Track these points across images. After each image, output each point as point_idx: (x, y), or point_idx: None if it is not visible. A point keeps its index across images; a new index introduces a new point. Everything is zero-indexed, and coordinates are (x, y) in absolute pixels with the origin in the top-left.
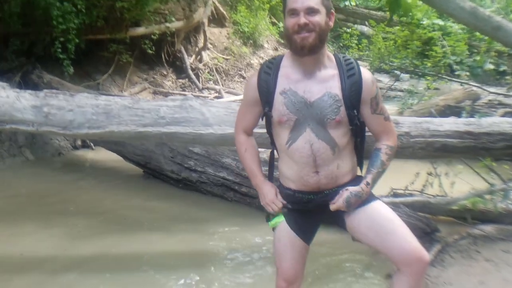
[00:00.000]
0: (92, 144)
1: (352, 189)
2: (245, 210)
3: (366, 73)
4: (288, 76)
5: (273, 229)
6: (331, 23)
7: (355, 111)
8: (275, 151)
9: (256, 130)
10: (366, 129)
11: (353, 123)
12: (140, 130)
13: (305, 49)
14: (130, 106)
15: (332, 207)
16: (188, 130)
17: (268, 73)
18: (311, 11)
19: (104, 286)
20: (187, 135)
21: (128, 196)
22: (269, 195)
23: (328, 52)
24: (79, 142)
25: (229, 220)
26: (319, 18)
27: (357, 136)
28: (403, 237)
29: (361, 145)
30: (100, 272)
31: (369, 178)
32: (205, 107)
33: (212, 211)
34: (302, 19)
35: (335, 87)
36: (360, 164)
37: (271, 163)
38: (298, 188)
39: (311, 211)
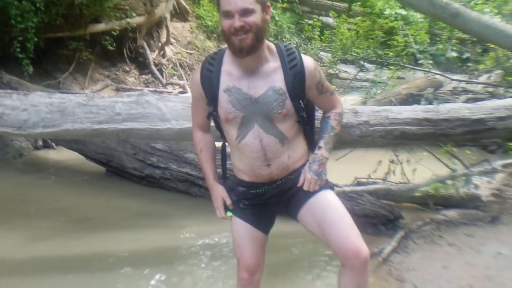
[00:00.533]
0: (53, 144)
1: (309, 160)
2: (210, 204)
3: (308, 61)
4: (231, 73)
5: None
6: (268, 16)
7: (300, 102)
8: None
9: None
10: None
11: (300, 115)
12: (95, 127)
13: (244, 50)
14: (85, 103)
15: (305, 186)
16: (144, 126)
17: (210, 70)
18: (245, 12)
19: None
20: (144, 131)
21: (91, 195)
22: (215, 202)
23: (269, 43)
24: (40, 143)
25: (194, 216)
26: (255, 18)
27: (306, 124)
28: (343, 231)
29: (310, 132)
30: (64, 273)
31: (321, 142)
32: (162, 102)
33: (177, 207)
34: (237, 22)
35: (278, 81)
36: (311, 149)
37: (224, 154)
38: (251, 180)
39: (267, 203)
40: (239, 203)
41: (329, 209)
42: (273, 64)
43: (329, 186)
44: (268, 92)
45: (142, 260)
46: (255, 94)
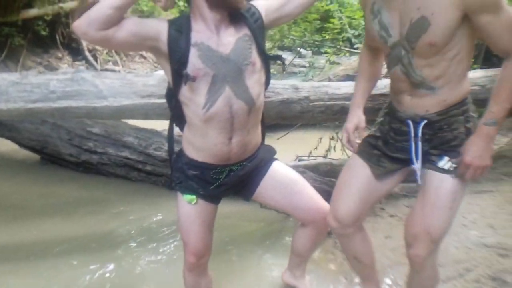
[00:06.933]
0: None
1: None
2: (150, 189)
3: (256, 2)
4: (200, 32)
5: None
6: None
7: (263, 45)
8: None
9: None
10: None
11: (263, 57)
12: (29, 106)
13: (240, 2)
14: (18, 81)
15: None
16: (81, 104)
17: (180, 31)
18: None
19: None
20: (80, 110)
21: (25, 184)
22: None
23: None
24: None
25: (133, 201)
26: None
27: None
28: (309, 197)
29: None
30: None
31: None
32: (99, 79)
33: (115, 192)
34: None
35: (244, 29)
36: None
37: (171, 135)
38: (205, 159)
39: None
40: (187, 176)
41: (289, 179)
42: (236, 18)
43: (274, 158)
44: (237, 43)
45: (81, 247)
46: (225, 50)
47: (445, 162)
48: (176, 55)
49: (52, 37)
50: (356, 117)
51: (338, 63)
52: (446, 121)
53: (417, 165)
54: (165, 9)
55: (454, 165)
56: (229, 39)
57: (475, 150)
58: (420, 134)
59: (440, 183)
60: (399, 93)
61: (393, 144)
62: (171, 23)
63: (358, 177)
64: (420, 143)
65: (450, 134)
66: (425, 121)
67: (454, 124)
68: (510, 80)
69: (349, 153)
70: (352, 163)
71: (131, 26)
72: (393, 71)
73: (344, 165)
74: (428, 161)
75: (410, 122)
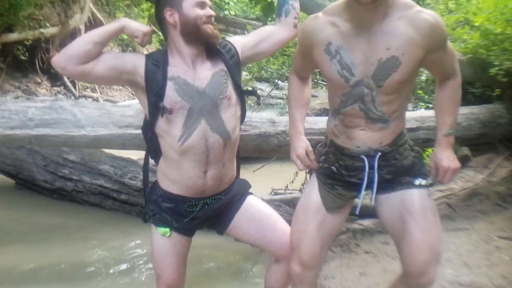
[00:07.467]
0: None
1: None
2: (124, 218)
3: (232, 38)
4: (176, 67)
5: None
6: None
7: (239, 84)
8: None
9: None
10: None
11: (239, 91)
12: (7, 133)
13: (215, 37)
14: None
15: None
16: (58, 132)
17: (157, 65)
18: (210, 4)
19: None
20: (58, 138)
21: None
22: None
23: None
24: None
25: (107, 229)
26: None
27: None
28: (282, 232)
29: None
30: None
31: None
32: (77, 108)
33: (89, 221)
34: (211, 11)
35: (220, 64)
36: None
37: (146, 168)
38: (179, 192)
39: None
40: (161, 209)
41: (263, 214)
42: (213, 53)
43: (249, 192)
44: (213, 77)
45: (54, 275)
46: (201, 84)
47: (419, 181)
48: (153, 88)
49: (31, 62)
50: (303, 143)
51: (315, 96)
52: (396, 151)
53: (360, 197)
54: (143, 45)
55: (430, 182)
56: (205, 74)
57: (447, 156)
58: (376, 166)
59: (421, 201)
60: (350, 128)
61: (348, 180)
62: (148, 57)
63: (315, 217)
64: (376, 174)
65: (406, 162)
66: (380, 153)
67: (404, 152)
68: (456, 95)
69: None
70: (308, 201)
71: (109, 60)
72: (350, 108)
73: (300, 200)
74: (406, 184)
75: (364, 157)
